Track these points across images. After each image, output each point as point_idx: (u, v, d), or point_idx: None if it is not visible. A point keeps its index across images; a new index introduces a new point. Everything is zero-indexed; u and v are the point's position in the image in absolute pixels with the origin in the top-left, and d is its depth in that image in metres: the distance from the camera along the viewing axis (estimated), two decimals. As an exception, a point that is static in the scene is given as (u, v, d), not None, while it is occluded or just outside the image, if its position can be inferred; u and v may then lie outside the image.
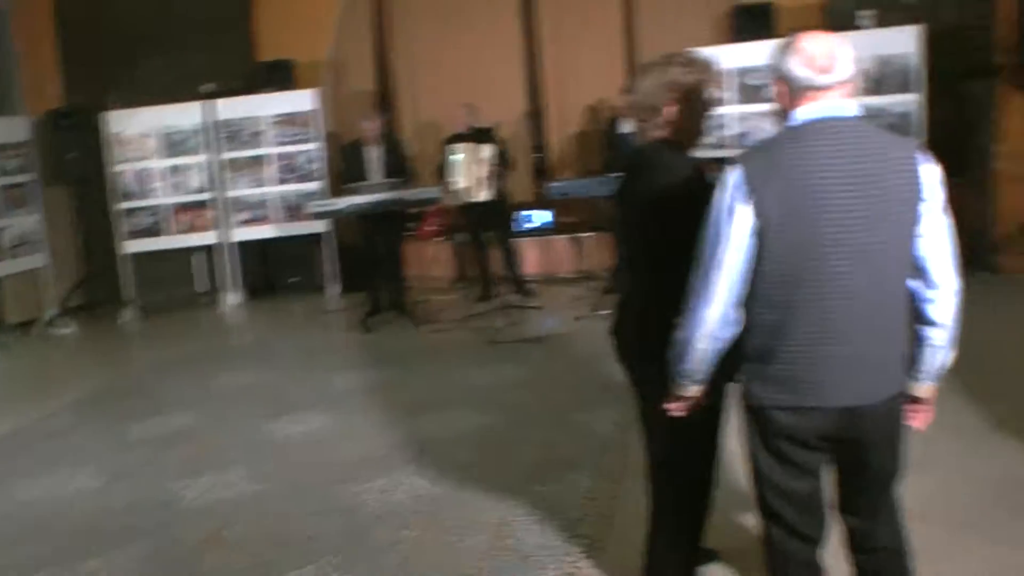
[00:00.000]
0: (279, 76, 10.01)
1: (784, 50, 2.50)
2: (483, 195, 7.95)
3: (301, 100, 9.84)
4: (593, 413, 5.57)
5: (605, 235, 9.45)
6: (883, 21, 8.40)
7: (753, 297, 2.50)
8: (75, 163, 9.67)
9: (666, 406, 2.83)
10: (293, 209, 9.81)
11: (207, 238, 9.87)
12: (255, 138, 9.76)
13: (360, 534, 4.26)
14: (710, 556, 3.65)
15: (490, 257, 9.03)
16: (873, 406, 2.52)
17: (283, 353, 7.76)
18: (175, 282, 10.46)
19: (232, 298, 9.79)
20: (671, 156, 2.99)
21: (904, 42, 7.97)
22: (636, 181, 3.05)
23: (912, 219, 2.45)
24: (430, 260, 10.30)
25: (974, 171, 8.49)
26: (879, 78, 7.98)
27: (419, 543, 4.12)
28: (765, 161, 2.45)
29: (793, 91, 2.48)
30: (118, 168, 9.73)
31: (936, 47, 8.14)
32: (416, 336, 7.97)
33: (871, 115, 7.74)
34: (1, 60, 9.94)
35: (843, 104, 2.47)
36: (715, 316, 2.52)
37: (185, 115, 9.77)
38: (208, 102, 9.74)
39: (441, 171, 8.59)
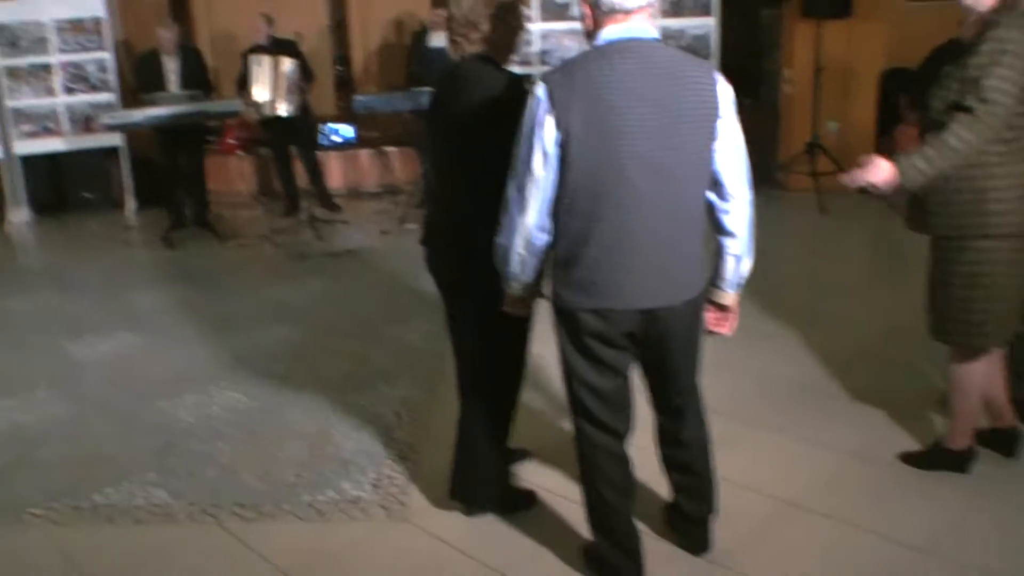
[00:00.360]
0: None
1: None
2: (284, 109, 7.84)
3: (88, 5, 9.32)
4: (405, 325, 5.69)
5: (410, 150, 9.49)
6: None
7: (559, 206, 2.65)
8: None
9: (504, 309, 2.99)
10: (84, 121, 9.35)
11: (-11, 151, 9.30)
12: (38, 45, 9.20)
13: (176, 448, 4.25)
14: (521, 455, 3.87)
15: (294, 171, 8.90)
16: (671, 308, 2.74)
17: (81, 273, 7.48)
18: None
19: (19, 215, 9.29)
20: (490, 71, 3.08)
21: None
22: (454, 96, 3.13)
23: (708, 136, 2.66)
24: (232, 174, 10.06)
25: (764, 93, 8.99)
26: (678, 1, 8.27)
27: (237, 454, 4.16)
28: (569, 78, 2.58)
29: (600, 14, 2.62)
30: None
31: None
32: (221, 252, 7.85)
33: (670, 36, 8.11)
34: None
35: (645, 27, 2.63)
36: (530, 223, 2.67)
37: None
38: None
39: (242, 83, 8.39)
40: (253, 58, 7.94)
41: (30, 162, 9.44)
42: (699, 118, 2.63)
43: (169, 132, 8.19)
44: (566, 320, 2.79)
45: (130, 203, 9.48)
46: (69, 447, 4.35)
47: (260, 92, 7.80)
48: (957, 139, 3.05)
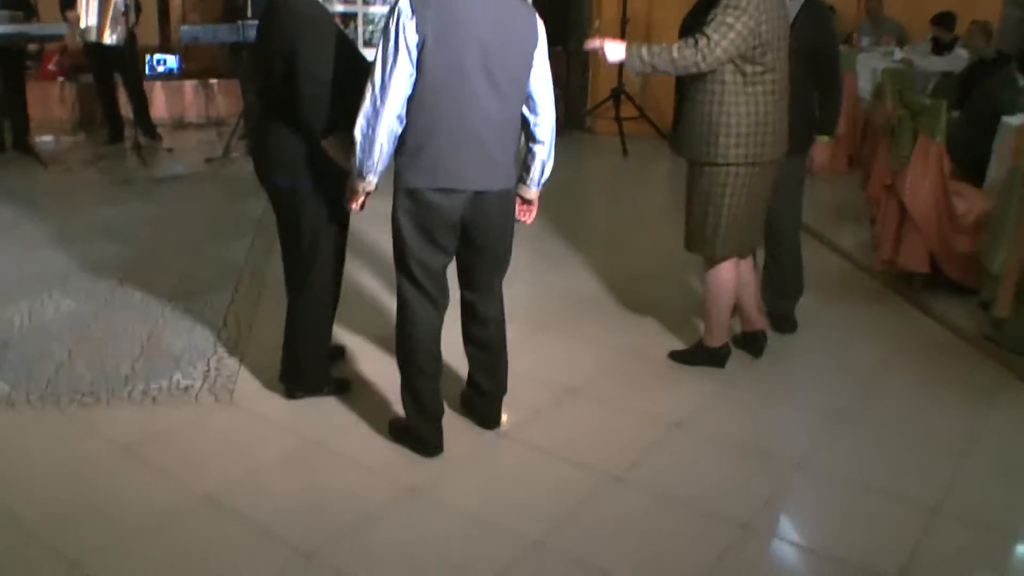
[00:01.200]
0: None
1: None
2: (109, 38, 7.96)
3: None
4: (228, 244, 6.07)
5: (233, 82, 9.67)
6: None
7: (411, 102, 3.19)
8: None
9: (350, 203, 3.48)
10: None
11: None
12: None
13: (12, 348, 4.52)
14: (339, 352, 4.39)
15: (117, 99, 8.98)
16: (494, 192, 3.37)
17: None
18: None
19: None
20: (308, 3, 3.54)
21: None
22: (277, 24, 3.57)
23: (527, 60, 3.32)
24: (53, 101, 10.03)
25: (575, 43, 9.60)
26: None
27: (72, 352, 4.48)
28: None
29: None
30: None
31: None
32: (44, 176, 7.95)
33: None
34: None
35: None
36: (392, 114, 3.18)
37: None
38: None
39: (66, 4, 8.44)
40: None
41: None
42: (522, 45, 3.29)
43: (-14, 55, 8.19)
44: (410, 198, 3.31)
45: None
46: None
47: (87, 18, 7.89)
48: (676, 51, 3.78)
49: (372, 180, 3.35)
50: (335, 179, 3.54)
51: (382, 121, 3.19)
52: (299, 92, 3.45)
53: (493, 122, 3.28)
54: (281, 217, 3.83)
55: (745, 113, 3.86)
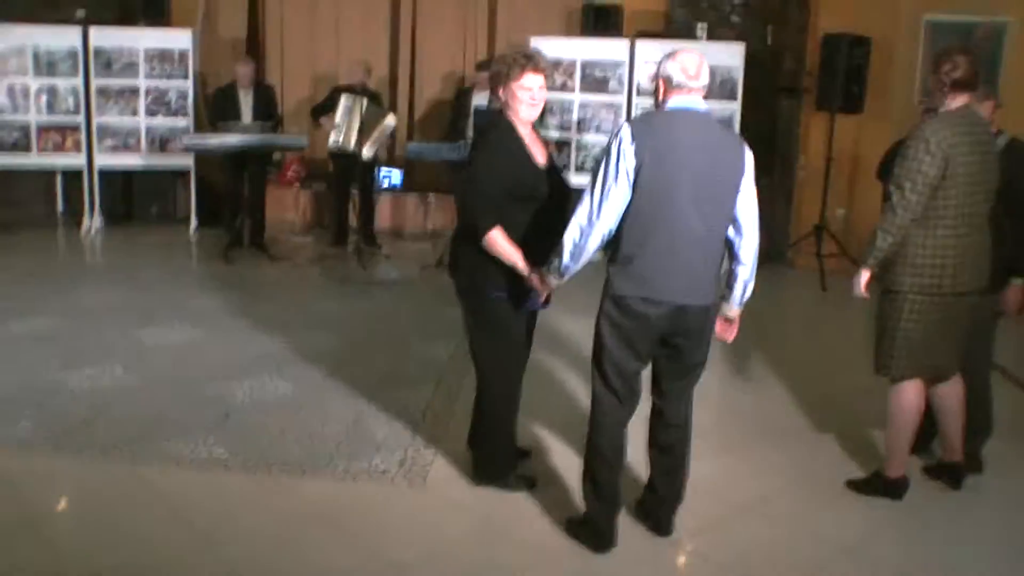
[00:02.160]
0: (153, 10, 10.34)
1: (668, 57, 3.59)
2: (367, 153, 8.65)
3: (176, 38, 10.22)
4: (434, 343, 6.42)
5: (451, 197, 10.20)
6: (714, 35, 9.56)
7: (625, 215, 3.49)
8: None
9: (539, 289, 3.83)
10: (159, 141, 10.21)
11: (73, 160, 10.16)
12: (128, 69, 10.10)
13: (232, 419, 4.99)
14: (524, 454, 4.59)
15: (349, 207, 9.65)
16: (695, 307, 3.58)
17: (146, 275, 8.25)
18: (36, 202, 10.72)
19: (92, 222, 10.12)
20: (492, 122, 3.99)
21: (731, 56, 9.06)
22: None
23: (735, 186, 3.59)
24: (288, 205, 10.87)
25: (779, 176, 9.73)
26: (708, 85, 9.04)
27: (284, 429, 4.88)
28: (647, 124, 3.54)
29: (670, 87, 3.57)
30: (-14, 82, 9.94)
31: (755, 64, 9.32)
32: (273, 270, 8.62)
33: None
34: None
35: (699, 101, 3.60)
36: (604, 229, 3.51)
37: (59, 37, 10.02)
38: (85, 28, 10.01)
39: (319, 112, 9.28)
40: (354, 97, 8.74)
41: (106, 174, 10.30)
42: (730, 171, 3.59)
43: (237, 158, 9.03)
44: (617, 305, 3.57)
45: (192, 220, 10.27)
46: (140, 409, 5.10)
47: (349, 129, 8.61)
48: (887, 224, 4.02)
49: (557, 281, 3.70)
50: (515, 285, 3.89)
51: (594, 234, 3.50)
52: (464, 196, 3.87)
53: (699, 241, 3.52)
54: (466, 318, 4.18)
55: (922, 244, 4.01)
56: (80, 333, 6.45)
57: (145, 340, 6.34)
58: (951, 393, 4.35)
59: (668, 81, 3.56)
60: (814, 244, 8.95)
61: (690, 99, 3.56)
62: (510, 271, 3.87)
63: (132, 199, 10.77)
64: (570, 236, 3.54)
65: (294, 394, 5.40)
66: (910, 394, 4.24)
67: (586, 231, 3.50)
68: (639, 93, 9.27)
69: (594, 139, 9.46)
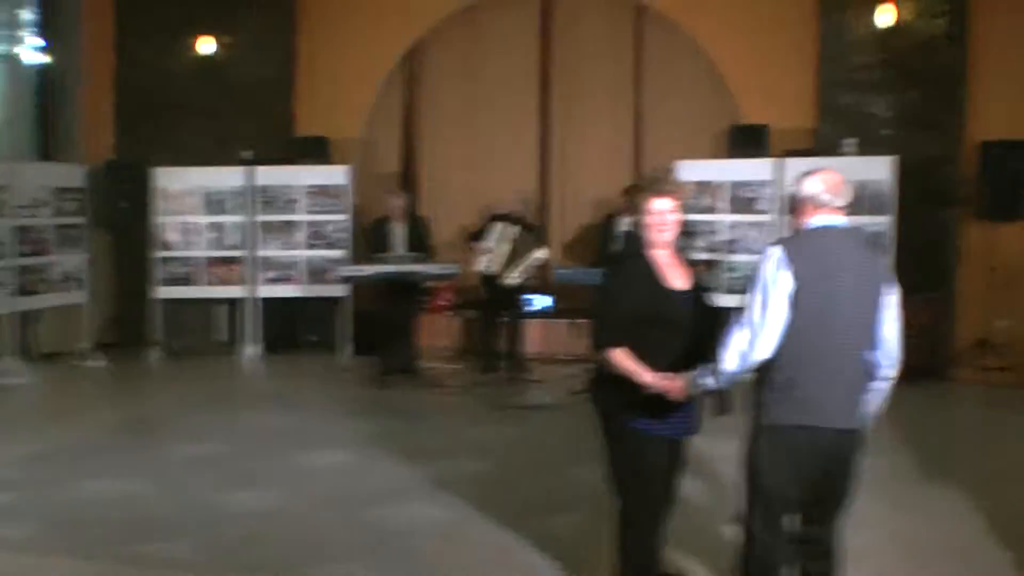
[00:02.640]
0: (315, 150, 10.88)
1: (807, 176, 3.59)
2: (513, 280, 8.80)
3: (334, 174, 10.72)
4: (585, 467, 6.24)
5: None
6: (863, 149, 9.42)
7: (785, 340, 3.41)
8: (123, 212, 10.49)
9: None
10: (317, 272, 10.62)
11: (235, 292, 10.65)
12: (289, 205, 10.62)
13: (384, 545, 5.00)
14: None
15: (499, 333, 9.75)
16: (852, 429, 3.50)
17: (303, 401, 8.48)
18: (200, 330, 11.24)
19: (252, 349, 10.51)
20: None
21: (880, 169, 8.90)
22: None
23: (880, 303, 3.52)
24: (439, 332, 11.06)
25: (937, 289, 9.37)
26: (857, 200, 8.85)
27: (436, 555, 4.86)
28: (797, 244, 3.50)
29: (813, 206, 3.55)
30: (160, 220, 10.57)
31: (908, 175, 9.11)
32: (426, 396, 8.72)
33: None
34: (65, 113, 10.91)
35: (842, 218, 3.57)
36: (764, 353, 3.42)
37: (227, 177, 10.64)
38: (249, 168, 10.60)
39: (474, 237, 9.56)
40: (506, 225, 8.95)
41: (266, 303, 10.73)
42: (876, 288, 3.52)
43: (390, 287, 9.28)
44: (776, 435, 3.46)
45: (348, 348, 10.53)
46: (292, 533, 5.17)
47: (498, 255, 8.78)
48: None
49: (703, 388, 3.61)
50: (651, 412, 3.77)
51: (753, 358, 3.42)
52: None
53: (855, 362, 3.44)
54: (602, 446, 4.08)
55: None
56: (240, 457, 6.62)
57: (302, 463, 6.46)
58: None
59: (813, 200, 3.54)
60: (977, 358, 8.56)
61: (833, 218, 3.53)
62: (646, 399, 3.77)
63: (292, 327, 11.14)
64: (730, 362, 3.46)
65: (448, 519, 5.37)
66: None
67: (746, 356, 3.43)
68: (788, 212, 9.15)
69: (744, 260, 9.35)
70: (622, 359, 3.77)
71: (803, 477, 3.49)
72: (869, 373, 3.54)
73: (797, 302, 3.36)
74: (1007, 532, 5.18)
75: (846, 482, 3.60)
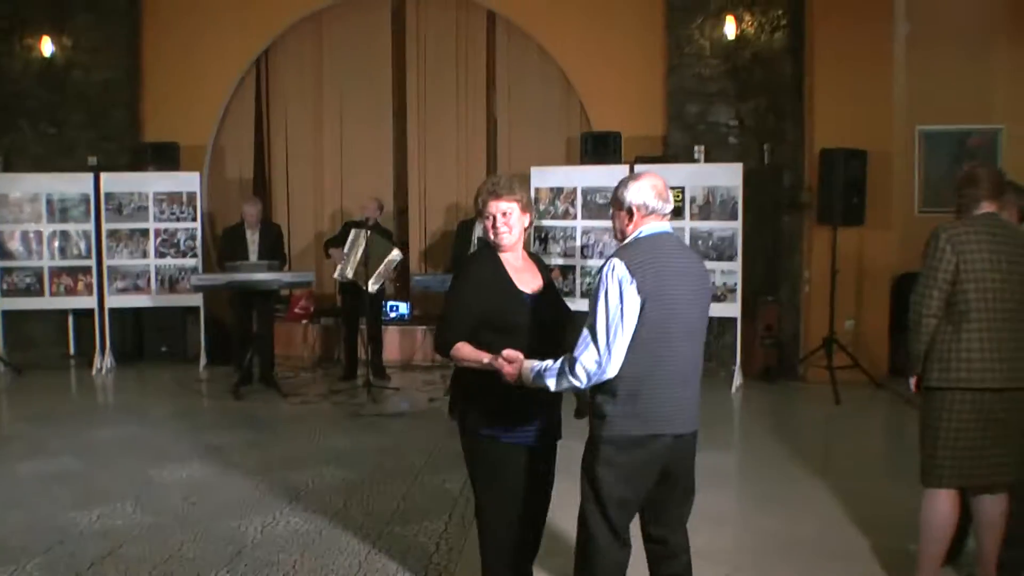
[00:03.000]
0: (164, 156, 10.62)
1: (631, 182, 3.60)
2: (372, 286, 8.78)
3: (185, 181, 10.49)
4: (445, 475, 6.36)
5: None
6: (712, 156, 9.79)
7: (627, 354, 3.41)
8: (-41, 220, 10.05)
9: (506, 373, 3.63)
10: (169, 281, 10.37)
11: (84, 302, 10.31)
12: (138, 212, 10.33)
13: (244, 555, 4.94)
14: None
15: (358, 341, 9.71)
16: (692, 434, 3.61)
17: (157, 413, 8.29)
18: (47, 343, 10.85)
19: (103, 361, 10.19)
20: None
21: (729, 176, 9.22)
22: None
23: (708, 303, 3.66)
24: (297, 340, 10.96)
25: (785, 292, 9.80)
26: (707, 206, 9.21)
27: (296, 564, 4.82)
28: (636, 255, 3.46)
29: (640, 215, 3.56)
30: (1, 228, 10.15)
31: (754, 182, 9.50)
32: (284, 406, 8.62)
33: (698, 237, 9.04)
34: None
35: (668, 224, 3.62)
36: (611, 374, 3.41)
37: (71, 184, 10.29)
38: (96, 174, 10.28)
39: (330, 244, 9.52)
40: (362, 232, 8.93)
41: (116, 314, 10.43)
42: (705, 290, 3.66)
43: (244, 296, 9.15)
44: (618, 446, 3.47)
45: (202, 358, 10.33)
46: (153, 548, 5.04)
47: (354, 261, 8.76)
48: (913, 327, 4.18)
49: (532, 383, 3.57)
50: (506, 422, 3.78)
51: (603, 378, 3.41)
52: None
53: (693, 366, 3.58)
54: (463, 451, 4.02)
55: (949, 340, 4.08)
56: (91, 472, 6.45)
57: (156, 478, 6.32)
58: (995, 506, 4.21)
59: (642, 208, 3.54)
60: (824, 357, 8.96)
61: (660, 225, 3.57)
62: (500, 409, 3.77)
63: (142, 338, 10.85)
64: (578, 379, 3.41)
65: (306, 529, 5.34)
66: (943, 502, 4.18)
67: (595, 375, 3.40)
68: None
69: (597, 264, 9.58)
70: (463, 350, 3.73)
71: (646, 484, 3.55)
72: (699, 374, 3.66)
73: (642, 315, 3.37)
74: (863, 520, 5.49)
75: (689, 482, 3.70)
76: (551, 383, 3.48)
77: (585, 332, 3.42)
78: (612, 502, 3.52)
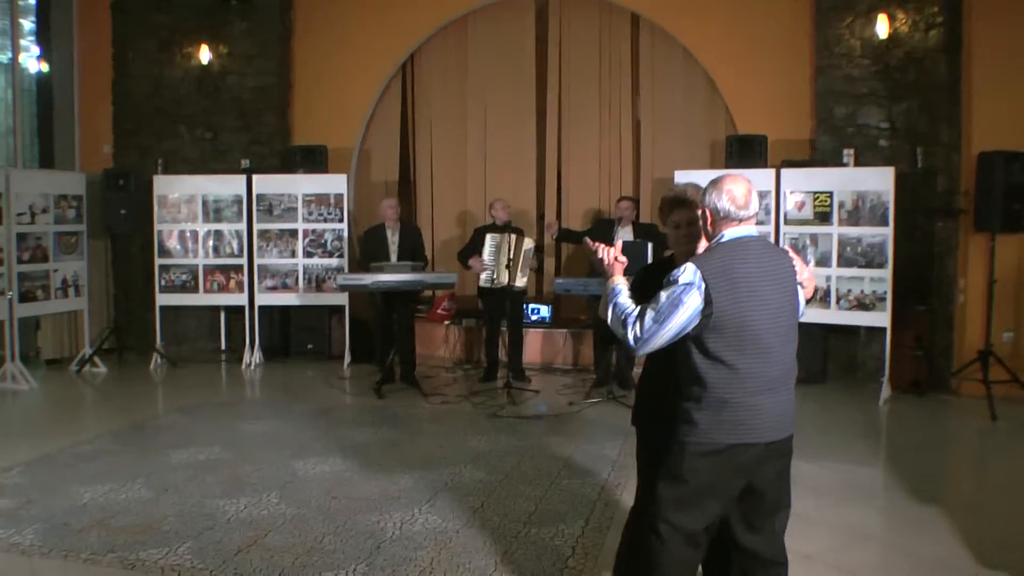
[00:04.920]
0: (313, 159, 10.91)
1: (712, 187, 3.54)
2: (519, 281, 8.89)
3: (332, 183, 10.75)
4: (582, 479, 6.32)
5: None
6: (861, 160, 9.47)
7: (710, 359, 3.39)
8: (122, 219, 10.51)
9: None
10: (315, 281, 10.64)
11: (235, 299, 10.69)
12: (288, 213, 10.64)
13: (383, 550, 5.00)
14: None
15: (499, 343, 9.78)
16: (782, 440, 3.50)
17: (302, 408, 8.50)
18: (200, 338, 11.28)
19: (252, 357, 10.54)
20: None
21: (879, 180, 8.91)
22: None
23: (797, 294, 3.61)
24: (438, 340, 11.10)
25: (938, 301, 9.39)
26: (855, 211, 8.92)
27: (433, 561, 4.86)
28: (713, 263, 3.42)
29: (717, 219, 3.52)
30: (160, 227, 10.61)
31: (907, 187, 9.15)
32: (424, 405, 8.72)
33: (847, 243, 8.76)
34: (64, 122, 10.98)
35: (752, 228, 3.54)
36: (642, 351, 3.44)
37: (225, 185, 10.68)
38: (248, 176, 10.64)
39: (466, 255, 9.57)
40: (493, 236, 9.05)
41: (264, 311, 10.78)
42: (793, 291, 3.57)
43: (389, 296, 9.30)
44: (701, 454, 3.42)
45: (346, 356, 10.55)
46: (292, 539, 5.17)
47: (499, 265, 8.86)
48: None
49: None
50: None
51: (636, 352, 3.44)
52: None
53: (788, 372, 3.49)
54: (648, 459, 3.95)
55: None
56: (239, 463, 6.64)
57: (300, 471, 6.47)
58: None
59: (716, 213, 3.50)
60: (979, 371, 8.55)
61: (743, 229, 3.50)
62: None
63: (289, 336, 11.17)
64: (624, 332, 3.44)
65: (444, 528, 5.38)
66: None
67: (631, 346, 3.42)
68: (786, 222, 9.21)
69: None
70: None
71: (729, 492, 3.49)
72: (795, 375, 3.57)
73: (718, 324, 3.34)
74: (1019, 546, 5.22)
75: (779, 492, 3.58)
76: (607, 311, 3.54)
77: (646, 309, 3.42)
78: (687, 511, 3.49)
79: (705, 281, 3.34)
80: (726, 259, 3.41)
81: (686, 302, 3.33)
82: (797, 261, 3.65)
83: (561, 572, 4.75)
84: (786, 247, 3.60)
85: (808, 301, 3.75)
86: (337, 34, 11.53)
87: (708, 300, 3.33)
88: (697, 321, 3.35)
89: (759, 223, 8.91)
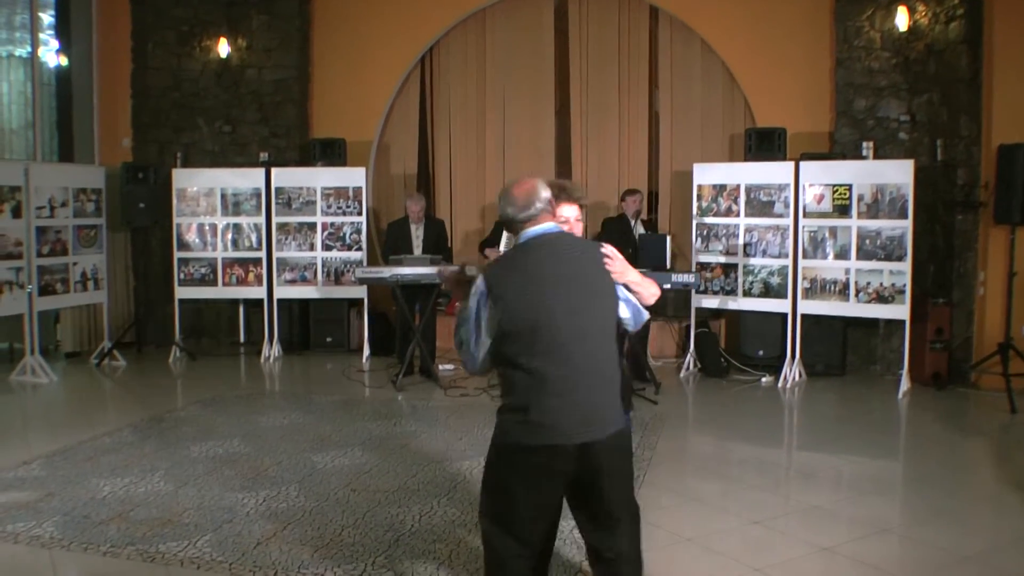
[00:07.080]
0: (332, 152, 10.92)
1: (501, 200, 3.53)
2: None
3: (352, 176, 10.76)
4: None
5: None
6: (880, 153, 9.41)
7: (509, 366, 3.37)
8: (141, 213, 10.55)
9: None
10: (334, 274, 10.66)
11: (254, 292, 10.73)
12: (307, 206, 10.66)
13: (402, 543, 5.01)
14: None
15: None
16: (603, 441, 3.42)
17: (321, 401, 8.53)
18: (219, 331, 11.34)
19: (271, 350, 10.57)
20: None
21: (899, 173, 8.83)
22: None
23: (610, 290, 3.51)
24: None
25: (957, 294, 9.32)
26: (875, 204, 8.86)
27: (452, 554, 4.86)
28: (501, 267, 3.45)
29: (511, 226, 3.53)
30: (179, 221, 10.65)
31: (926, 180, 9.08)
32: (443, 398, 8.74)
33: (865, 236, 8.71)
34: (83, 115, 11.04)
35: (547, 224, 3.50)
36: (477, 368, 3.47)
37: (245, 179, 10.70)
38: (267, 169, 10.67)
39: (485, 245, 9.63)
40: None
41: (283, 304, 10.81)
42: (600, 278, 3.49)
43: (407, 289, 9.30)
44: (513, 454, 3.43)
45: (365, 349, 10.57)
46: (315, 531, 5.18)
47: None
48: None
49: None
50: None
51: (472, 371, 3.49)
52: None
53: (586, 370, 3.40)
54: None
55: None
56: (258, 456, 6.67)
57: (320, 463, 6.48)
58: None
59: (513, 220, 3.49)
60: (999, 363, 8.48)
61: (539, 227, 3.48)
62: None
63: (308, 328, 11.20)
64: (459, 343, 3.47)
65: (462, 520, 5.37)
66: None
67: (468, 367, 3.48)
68: (805, 215, 9.17)
69: (760, 263, 9.36)
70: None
71: (546, 494, 3.47)
72: (617, 363, 3.52)
73: (506, 327, 3.32)
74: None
75: (613, 490, 3.52)
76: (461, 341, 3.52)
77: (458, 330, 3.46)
78: (513, 509, 3.49)
79: (488, 287, 3.33)
80: (517, 261, 3.44)
81: (477, 311, 3.36)
82: (617, 262, 3.55)
83: (580, 565, 4.73)
84: (604, 247, 3.54)
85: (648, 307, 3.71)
86: (356, 27, 11.54)
87: (494, 304, 3.31)
88: (496, 326, 3.34)
89: (778, 216, 9.02)
